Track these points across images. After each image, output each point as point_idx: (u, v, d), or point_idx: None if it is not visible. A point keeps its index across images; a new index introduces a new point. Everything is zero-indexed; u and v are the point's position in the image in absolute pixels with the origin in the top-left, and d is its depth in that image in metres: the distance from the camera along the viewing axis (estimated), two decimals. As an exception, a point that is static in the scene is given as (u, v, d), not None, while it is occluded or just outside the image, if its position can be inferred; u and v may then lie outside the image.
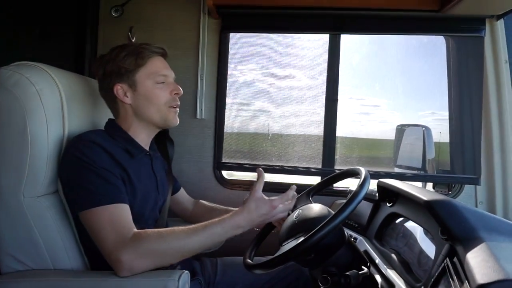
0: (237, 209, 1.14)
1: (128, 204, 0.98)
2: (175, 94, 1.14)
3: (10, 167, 0.96)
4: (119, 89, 1.09)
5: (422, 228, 1.10)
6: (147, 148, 1.16)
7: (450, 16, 1.60)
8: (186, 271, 0.91)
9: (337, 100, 1.72)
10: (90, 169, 0.94)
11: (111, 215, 0.92)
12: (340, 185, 1.67)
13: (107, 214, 0.92)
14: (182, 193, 1.41)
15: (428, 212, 0.94)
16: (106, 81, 1.10)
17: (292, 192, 1.11)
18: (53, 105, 1.00)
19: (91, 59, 1.79)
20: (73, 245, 1.02)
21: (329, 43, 1.72)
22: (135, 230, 0.93)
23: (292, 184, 1.76)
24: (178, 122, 1.16)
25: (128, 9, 1.72)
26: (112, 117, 1.17)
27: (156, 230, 0.94)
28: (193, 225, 0.96)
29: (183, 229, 0.94)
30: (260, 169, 1.11)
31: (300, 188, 1.35)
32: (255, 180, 1.78)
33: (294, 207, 1.25)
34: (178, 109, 1.16)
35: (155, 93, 1.10)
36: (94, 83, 1.26)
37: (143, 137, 1.14)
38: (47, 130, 0.97)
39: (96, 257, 1.02)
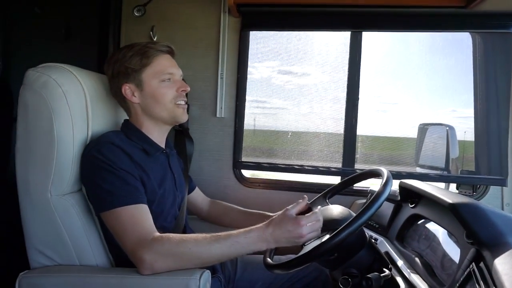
0: (257, 212, 1.15)
1: (147, 204, 0.99)
2: (182, 91, 1.14)
3: (38, 166, 0.99)
4: (127, 89, 1.11)
5: (445, 231, 1.08)
6: (162, 145, 1.18)
7: (477, 12, 1.55)
8: (207, 270, 0.92)
9: (358, 99, 1.70)
10: (109, 170, 0.97)
11: (131, 216, 0.94)
12: (360, 184, 1.65)
13: (127, 215, 0.94)
14: (197, 192, 1.42)
15: (453, 215, 0.92)
16: (115, 81, 1.12)
17: (318, 214, 1.00)
18: (78, 105, 1.02)
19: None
20: (97, 242, 1.05)
21: (351, 41, 1.69)
22: (156, 232, 0.94)
23: (312, 182, 1.78)
24: (187, 118, 1.17)
25: (150, 8, 1.74)
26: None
27: (179, 235, 0.96)
28: (216, 233, 0.95)
29: (206, 236, 0.94)
30: (305, 196, 1.11)
31: (320, 187, 1.34)
32: (275, 179, 1.81)
33: (309, 209, 1.24)
34: (186, 105, 1.17)
35: (161, 92, 1.11)
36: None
37: (157, 135, 1.16)
38: (72, 130, 1.00)
39: (120, 254, 1.05)
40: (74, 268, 0.99)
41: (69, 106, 0.99)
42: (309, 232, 0.96)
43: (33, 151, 0.99)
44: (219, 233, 0.95)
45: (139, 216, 0.95)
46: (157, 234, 0.94)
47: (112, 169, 0.97)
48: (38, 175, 0.99)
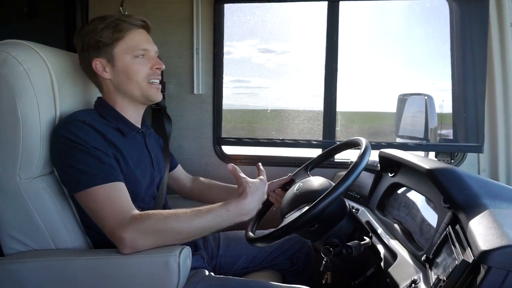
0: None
1: (124, 182, 0.96)
2: (156, 68, 1.08)
3: (4, 149, 0.94)
4: (98, 64, 1.04)
5: (424, 198, 1.09)
6: (138, 125, 1.13)
7: (453, -22, 1.54)
8: (187, 246, 0.91)
9: (336, 69, 1.68)
10: (82, 149, 0.92)
11: (108, 194, 0.91)
12: (341, 156, 1.66)
13: (104, 194, 0.91)
14: (179, 170, 1.39)
15: (430, 180, 0.93)
16: (85, 55, 1.05)
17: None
18: (43, 84, 0.97)
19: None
20: (73, 225, 1.02)
21: (328, 11, 1.65)
22: (135, 210, 0.92)
23: (294, 156, 1.77)
24: (161, 97, 1.12)
25: (119, -18, 1.65)
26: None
27: (158, 211, 0.93)
28: (197, 208, 0.94)
29: (186, 211, 0.92)
30: (259, 164, 1.13)
31: (301, 161, 1.34)
32: (256, 155, 1.80)
33: (293, 182, 1.24)
34: (159, 84, 1.11)
35: (134, 68, 1.05)
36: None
37: (131, 114, 1.10)
38: (38, 110, 0.95)
39: (97, 236, 1.03)
40: (50, 252, 0.96)
41: (33, 84, 0.94)
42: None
43: (-3, 134, 0.94)
44: (200, 207, 0.94)
45: (116, 195, 0.92)
46: (136, 211, 0.91)
47: (84, 148, 0.92)
48: (5, 159, 0.94)
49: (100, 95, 1.13)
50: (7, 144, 0.94)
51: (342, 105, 1.75)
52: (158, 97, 1.10)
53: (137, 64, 1.05)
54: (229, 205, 0.94)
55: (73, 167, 0.92)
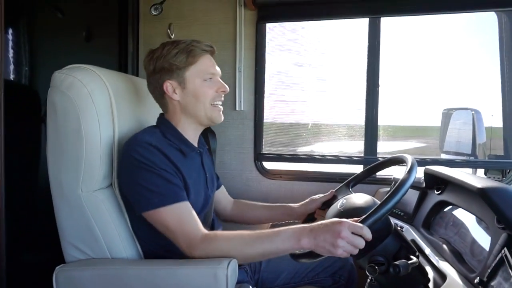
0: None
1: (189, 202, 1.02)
2: (221, 91, 1.14)
3: (69, 164, 1.03)
4: (169, 85, 1.10)
5: (474, 217, 1.05)
6: (196, 144, 1.18)
7: (502, -10, 1.49)
8: (234, 259, 0.94)
9: (378, 85, 1.67)
10: (151, 170, 0.98)
11: (178, 214, 0.98)
12: (382, 173, 1.63)
13: (174, 214, 0.97)
14: (222, 191, 1.42)
15: (482, 200, 0.90)
16: (155, 76, 1.12)
17: (366, 232, 0.88)
18: (103, 104, 1.05)
19: (133, 57, 1.86)
20: (127, 236, 1.08)
21: (369, 27, 1.66)
22: (204, 230, 0.98)
23: (334, 172, 1.76)
24: (222, 119, 1.17)
25: (167, 6, 1.76)
26: (157, 112, 1.20)
27: (225, 232, 1.00)
28: (260, 231, 0.97)
29: (250, 233, 0.97)
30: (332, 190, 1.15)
31: (342, 177, 1.34)
32: (297, 170, 1.81)
33: (334, 198, 1.24)
34: (221, 107, 1.16)
35: (203, 91, 1.10)
36: (137, 80, 1.32)
37: (191, 134, 1.16)
38: (99, 128, 1.03)
39: (148, 246, 1.09)
40: (107, 261, 1.03)
41: (95, 104, 1.02)
42: (347, 250, 0.88)
43: (63, 150, 1.03)
44: (262, 231, 0.97)
45: (186, 214, 0.99)
46: (205, 232, 0.98)
47: (153, 169, 0.98)
48: (69, 173, 1.03)
49: (152, 114, 1.20)
50: (72, 159, 1.02)
51: (384, 118, 1.73)
52: (220, 119, 1.16)
53: (205, 87, 1.11)
54: (291, 234, 0.93)
55: (142, 186, 0.98)
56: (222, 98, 1.16)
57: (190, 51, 1.09)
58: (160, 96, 1.14)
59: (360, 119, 1.73)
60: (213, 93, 1.12)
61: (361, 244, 0.88)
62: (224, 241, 0.96)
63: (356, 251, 0.89)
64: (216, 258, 0.95)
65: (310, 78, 1.91)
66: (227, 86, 1.15)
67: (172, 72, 1.09)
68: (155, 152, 1.01)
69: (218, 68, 1.16)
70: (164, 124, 1.14)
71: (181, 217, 0.97)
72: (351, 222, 0.88)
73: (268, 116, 1.85)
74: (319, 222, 0.93)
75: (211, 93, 1.12)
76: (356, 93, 1.73)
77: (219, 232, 1.00)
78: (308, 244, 0.90)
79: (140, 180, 0.98)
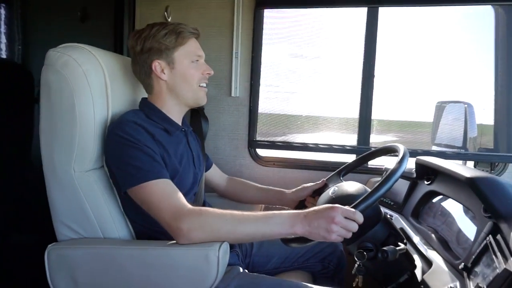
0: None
1: (170, 179, 1.02)
2: (206, 73, 1.18)
3: (62, 144, 1.02)
4: (157, 65, 1.12)
5: (461, 207, 1.08)
6: (180, 124, 1.20)
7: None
8: (226, 242, 0.95)
9: (373, 75, 1.68)
10: (136, 147, 0.99)
11: (163, 188, 0.97)
12: (374, 162, 1.65)
13: (159, 188, 0.97)
14: (214, 169, 1.44)
15: (470, 189, 0.92)
16: (143, 56, 1.13)
17: (358, 216, 0.90)
18: (98, 84, 1.04)
19: (129, 37, 1.84)
20: (119, 216, 1.09)
21: (367, 17, 1.66)
22: (190, 205, 0.96)
23: (326, 160, 1.78)
24: (206, 101, 1.21)
25: (164, -12, 1.74)
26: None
27: (213, 209, 0.98)
28: (253, 212, 0.97)
29: (243, 213, 0.95)
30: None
31: (335, 165, 1.35)
32: (289, 157, 1.83)
33: (326, 187, 1.26)
34: (206, 88, 1.20)
35: (190, 72, 1.14)
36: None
37: (176, 114, 1.18)
38: (93, 109, 1.03)
39: (139, 227, 1.10)
40: (99, 241, 1.04)
41: (90, 85, 1.02)
42: (340, 234, 0.89)
43: (57, 129, 1.02)
44: (255, 212, 0.97)
45: (170, 189, 0.98)
46: (192, 206, 0.96)
47: (138, 146, 0.99)
48: (62, 152, 1.02)
49: (146, 94, 1.20)
50: (65, 139, 1.02)
51: (378, 112, 1.74)
52: (204, 100, 1.20)
53: (192, 69, 1.15)
54: (280, 215, 0.94)
55: (128, 163, 0.98)
56: (207, 81, 1.19)
57: (180, 33, 1.12)
58: (146, 76, 1.15)
59: (354, 112, 1.74)
60: (199, 74, 1.16)
61: (355, 227, 0.90)
62: (215, 217, 0.95)
63: (349, 235, 0.91)
64: (205, 236, 0.92)
65: (306, 68, 1.91)
66: (211, 69, 1.19)
67: (161, 52, 1.11)
68: (140, 129, 1.02)
69: (203, 52, 1.20)
70: (147, 106, 1.15)
71: (165, 192, 0.97)
72: (343, 207, 0.90)
73: (262, 106, 1.85)
74: (312, 209, 0.94)
75: (197, 74, 1.15)
76: (351, 85, 1.74)
77: (209, 208, 0.99)
78: (302, 230, 0.91)
79: (125, 157, 0.99)
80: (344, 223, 0.88)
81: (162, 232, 0.98)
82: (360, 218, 0.90)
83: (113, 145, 1.02)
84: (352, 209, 0.90)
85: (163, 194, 0.96)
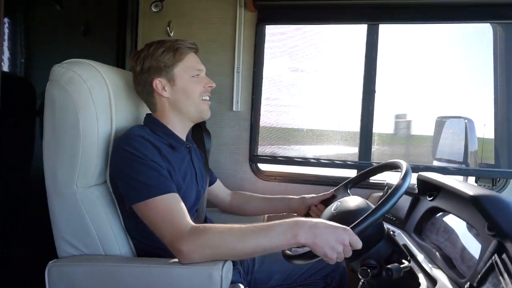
0: None
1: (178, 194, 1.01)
2: (208, 86, 1.18)
3: (65, 159, 1.02)
4: (158, 83, 1.12)
5: (465, 224, 1.07)
6: (184, 139, 1.20)
7: (498, 2, 1.52)
8: (229, 261, 0.94)
9: (374, 91, 1.69)
10: (142, 162, 0.98)
11: (167, 205, 0.95)
12: (376, 178, 1.65)
13: (163, 205, 0.95)
14: (218, 184, 1.44)
15: (474, 207, 0.92)
16: (143, 76, 1.13)
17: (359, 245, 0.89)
18: (102, 100, 1.05)
19: (131, 53, 1.85)
20: (121, 233, 1.08)
21: (367, 34, 1.68)
22: (193, 223, 0.95)
23: (328, 175, 1.78)
24: (210, 115, 1.21)
25: (167, 4, 1.76)
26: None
27: (214, 225, 0.95)
28: (252, 224, 0.93)
29: (241, 227, 0.92)
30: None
31: (336, 180, 1.35)
32: (291, 172, 1.82)
33: (334, 198, 1.26)
34: (210, 101, 1.20)
35: (192, 87, 1.14)
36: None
37: (180, 130, 1.18)
38: (97, 125, 1.03)
39: (140, 245, 1.09)
40: (100, 258, 1.03)
41: (94, 101, 1.02)
42: (347, 247, 0.88)
43: (60, 145, 1.02)
44: (256, 224, 0.92)
45: (175, 206, 0.96)
46: (194, 225, 0.94)
47: (144, 161, 0.98)
48: (65, 168, 1.02)
49: (149, 110, 1.21)
50: (68, 154, 1.01)
51: (379, 126, 1.75)
52: (208, 114, 1.20)
53: (193, 83, 1.15)
54: (280, 224, 0.90)
55: (134, 178, 0.97)
56: (209, 94, 1.20)
57: (177, 49, 1.13)
58: (148, 95, 1.16)
59: (355, 126, 1.75)
60: (201, 88, 1.16)
61: (349, 254, 0.89)
62: (215, 234, 0.91)
63: (342, 260, 0.90)
64: (205, 256, 0.90)
65: (306, 83, 1.92)
66: (213, 82, 1.19)
67: (161, 70, 1.12)
68: (147, 144, 1.02)
69: (203, 65, 1.21)
70: (152, 122, 1.16)
71: (169, 208, 0.95)
72: (355, 235, 0.87)
73: (263, 120, 1.86)
74: (322, 221, 0.90)
75: (199, 88, 1.16)
76: (352, 100, 1.75)
77: (209, 225, 0.95)
78: (305, 240, 0.86)
79: (131, 172, 0.98)
80: (347, 249, 0.87)
81: (163, 249, 0.97)
82: (360, 246, 0.88)
83: (120, 160, 1.01)
84: (360, 242, 0.88)
85: (167, 212, 0.95)
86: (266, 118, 1.88)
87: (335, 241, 0.86)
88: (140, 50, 1.16)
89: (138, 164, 0.98)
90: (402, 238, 1.28)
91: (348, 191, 1.26)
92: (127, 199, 1.00)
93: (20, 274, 1.54)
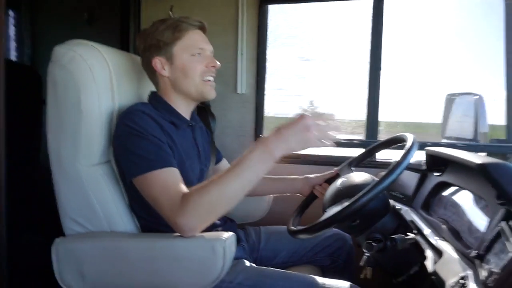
0: None
1: (178, 169, 1.00)
2: (211, 66, 1.13)
3: (68, 138, 1.03)
4: (157, 62, 1.11)
5: (472, 198, 1.05)
6: (188, 118, 1.19)
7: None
8: (233, 233, 0.94)
9: (380, 68, 1.66)
10: (142, 136, 0.98)
11: (164, 179, 0.95)
12: (383, 157, 1.62)
13: (161, 179, 0.94)
14: (224, 163, 1.43)
15: (482, 176, 0.90)
16: (146, 54, 1.13)
17: (328, 116, 0.92)
18: (103, 79, 1.05)
19: (135, 39, 1.86)
20: (125, 210, 1.09)
21: (373, 9, 1.65)
22: (183, 191, 0.93)
23: (336, 155, 1.76)
24: (215, 95, 1.16)
25: (169, -12, 1.75)
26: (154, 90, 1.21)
27: (198, 185, 0.93)
28: (226, 169, 0.92)
29: (219, 175, 0.91)
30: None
31: (344, 160, 1.33)
32: (298, 153, 1.80)
33: (338, 176, 1.24)
34: (213, 82, 1.16)
35: (191, 66, 1.11)
36: (138, 59, 1.31)
37: (183, 109, 1.16)
38: (98, 103, 1.03)
39: (144, 222, 1.10)
40: (106, 234, 1.04)
41: (95, 79, 1.02)
42: (316, 127, 0.88)
43: (63, 124, 1.03)
44: (230, 167, 0.92)
45: (172, 180, 0.95)
46: (183, 192, 0.92)
47: (144, 136, 0.98)
48: (69, 147, 1.03)
49: (151, 90, 1.21)
50: (71, 133, 1.02)
51: (385, 113, 1.71)
52: (212, 95, 1.15)
53: (193, 62, 1.11)
54: (253, 150, 0.90)
55: (133, 153, 0.97)
56: (214, 74, 1.15)
57: (177, 26, 1.10)
58: (151, 73, 1.15)
59: (361, 113, 1.72)
60: (202, 68, 1.11)
61: (323, 132, 0.90)
62: (201, 193, 0.89)
63: (328, 135, 0.91)
64: (203, 221, 0.90)
65: (312, 68, 1.90)
66: (217, 62, 1.14)
67: (160, 48, 1.10)
68: (148, 119, 1.01)
69: (209, 44, 1.16)
70: (155, 99, 1.15)
71: (167, 183, 0.94)
72: (309, 115, 0.89)
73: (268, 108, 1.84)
74: (278, 127, 0.90)
75: (200, 68, 1.11)
76: (358, 80, 1.72)
77: (193, 187, 0.92)
78: (281, 151, 0.88)
79: (131, 147, 0.98)
80: (318, 127, 0.89)
81: (166, 225, 0.97)
82: (329, 116, 0.91)
83: (120, 134, 1.01)
84: (317, 112, 0.91)
85: (164, 185, 0.94)
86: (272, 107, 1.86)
87: (302, 134, 0.88)
88: (146, 28, 1.16)
89: (137, 138, 0.98)
90: (409, 214, 1.26)
91: (352, 169, 1.24)
92: (127, 173, 1.00)
93: (29, 253, 1.57)
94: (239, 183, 0.90)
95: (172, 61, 1.11)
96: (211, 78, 1.15)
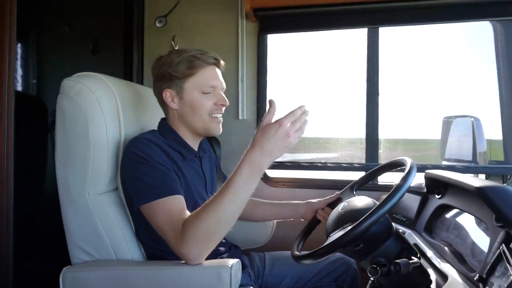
0: None
1: (184, 196, 1.02)
2: (220, 104, 1.14)
3: (76, 167, 1.05)
4: (168, 94, 1.13)
5: (474, 220, 1.07)
6: (195, 148, 1.20)
7: (496, 0, 1.54)
8: (238, 260, 0.95)
9: (378, 93, 1.70)
10: (148, 164, 1.00)
11: (168, 208, 0.96)
12: (386, 179, 1.64)
13: (164, 207, 0.96)
14: None
15: (481, 199, 0.92)
16: (158, 83, 1.16)
17: (299, 111, 0.92)
18: (110, 110, 1.09)
19: (138, 68, 1.92)
20: (132, 238, 1.10)
21: (368, 38, 1.71)
22: (183, 220, 0.94)
23: (336, 179, 1.78)
24: (221, 131, 1.17)
25: (171, 19, 1.81)
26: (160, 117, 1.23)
27: (193, 212, 0.94)
28: (218, 191, 0.93)
29: (212, 198, 0.92)
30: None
31: (344, 184, 1.36)
32: (299, 177, 1.83)
33: (339, 200, 1.26)
34: (221, 119, 1.16)
35: (200, 103, 1.11)
36: (142, 89, 1.36)
37: (190, 139, 1.18)
38: (106, 133, 1.06)
39: (150, 249, 1.10)
40: (113, 262, 1.05)
41: (102, 110, 1.06)
42: (296, 130, 0.90)
43: (71, 154, 1.06)
44: (220, 188, 0.93)
45: (175, 207, 0.97)
46: (183, 221, 0.93)
47: (150, 164, 1.00)
48: (77, 176, 1.05)
49: (156, 121, 1.23)
50: (79, 162, 1.05)
51: (384, 132, 1.75)
52: (218, 131, 1.17)
53: (203, 100, 1.12)
54: (239, 169, 0.91)
55: (140, 180, 0.99)
56: (222, 111, 1.16)
57: (191, 62, 1.11)
58: (161, 102, 1.18)
59: (361, 132, 1.75)
60: (211, 105, 1.13)
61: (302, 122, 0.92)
62: (197, 220, 0.90)
63: (304, 129, 0.92)
64: (203, 244, 0.90)
65: (310, 90, 1.94)
66: (227, 100, 1.15)
67: (172, 81, 1.12)
68: (155, 147, 1.03)
69: (221, 81, 1.16)
70: (164, 128, 1.17)
71: (170, 211, 0.95)
72: (282, 119, 0.90)
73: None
74: (257, 138, 0.92)
75: (209, 105, 1.12)
76: (357, 105, 1.77)
77: (189, 215, 0.94)
78: (268, 164, 0.90)
79: (138, 174, 1.00)
80: (295, 127, 0.90)
81: (172, 252, 0.98)
82: (300, 109, 0.91)
83: (128, 162, 1.03)
84: (291, 112, 0.91)
85: (167, 213, 0.95)
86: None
87: (282, 140, 0.89)
88: (163, 55, 1.16)
89: (144, 166, 1.00)
90: (413, 237, 1.27)
91: (354, 192, 1.26)
92: (135, 201, 1.02)
93: (35, 281, 1.56)
94: (233, 205, 0.91)
95: (182, 95, 1.12)
96: (219, 115, 1.15)
